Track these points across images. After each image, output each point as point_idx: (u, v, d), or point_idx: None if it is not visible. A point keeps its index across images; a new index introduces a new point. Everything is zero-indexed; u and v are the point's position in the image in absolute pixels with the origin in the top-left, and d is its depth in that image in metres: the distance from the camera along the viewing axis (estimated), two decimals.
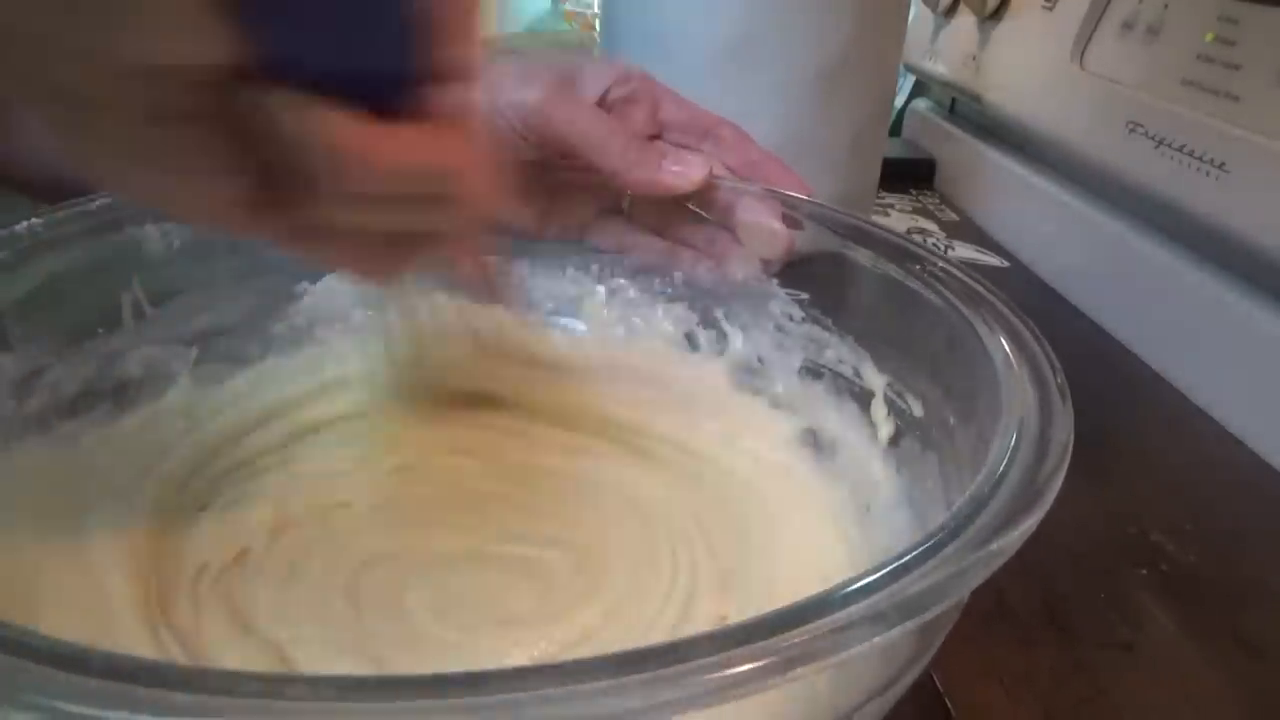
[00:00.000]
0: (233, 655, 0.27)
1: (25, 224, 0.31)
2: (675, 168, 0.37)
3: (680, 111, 0.41)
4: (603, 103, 0.40)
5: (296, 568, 0.30)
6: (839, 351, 0.38)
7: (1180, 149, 0.54)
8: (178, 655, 0.26)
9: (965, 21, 0.82)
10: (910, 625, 0.18)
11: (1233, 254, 0.51)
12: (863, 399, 0.37)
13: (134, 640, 0.26)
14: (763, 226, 0.38)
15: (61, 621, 0.26)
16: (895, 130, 0.96)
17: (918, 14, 0.87)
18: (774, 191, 0.39)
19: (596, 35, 1.18)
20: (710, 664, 0.16)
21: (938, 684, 0.32)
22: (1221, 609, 0.37)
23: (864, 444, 0.36)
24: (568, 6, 1.26)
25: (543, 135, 0.36)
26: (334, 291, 0.41)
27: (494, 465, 0.37)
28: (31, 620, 0.27)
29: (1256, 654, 0.35)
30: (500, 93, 0.36)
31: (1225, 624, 0.37)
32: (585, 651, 0.28)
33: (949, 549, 0.19)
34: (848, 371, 0.37)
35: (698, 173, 0.37)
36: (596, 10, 1.21)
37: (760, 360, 0.40)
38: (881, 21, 0.54)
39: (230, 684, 0.15)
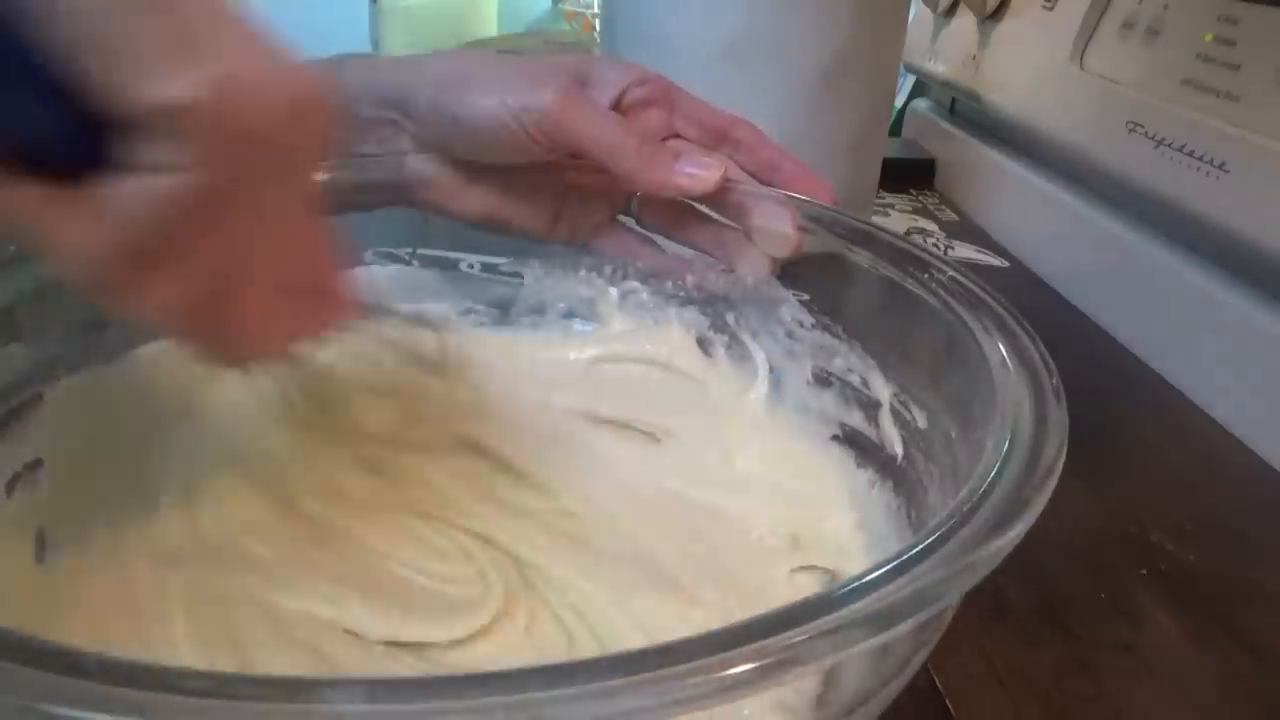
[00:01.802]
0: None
1: None
2: (689, 169, 0.37)
3: (696, 113, 0.41)
4: (618, 105, 0.40)
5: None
6: (848, 360, 0.38)
7: (1180, 149, 0.54)
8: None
9: (965, 21, 0.82)
10: (891, 634, 0.18)
11: (1233, 254, 0.51)
12: (870, 409, 0.37)
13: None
14: (774, 230, 0.38)
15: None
16: (895, 130, 0.96)
17: (918, 14, 0.87)
18: (785, 195, 0.39)
19: (596, 35, 1.18)
20: (698, 667, 0.16)
21: (938, 684, 0.32)
22: (1221, 609, 0.37)
23: (870, 456, 0.36)
24: (568, 6, 1.27)
25: (553, 139, 0.36)
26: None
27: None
28: (92, 622, 0.27)
29: (1256, 654, 0.35)
30: (510, 95, 0.36)
31: (1225, 624, 0.37)
32: None
33: (931, 559, 0.19)
34: (856, 381, 0.37)
35: (712, 175, 0.37)
36: (596, 10, 1.21)
37: (772, 369, 0.40)
38: (881, 21, 0.54)
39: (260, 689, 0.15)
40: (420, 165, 0.39)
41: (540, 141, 0.36)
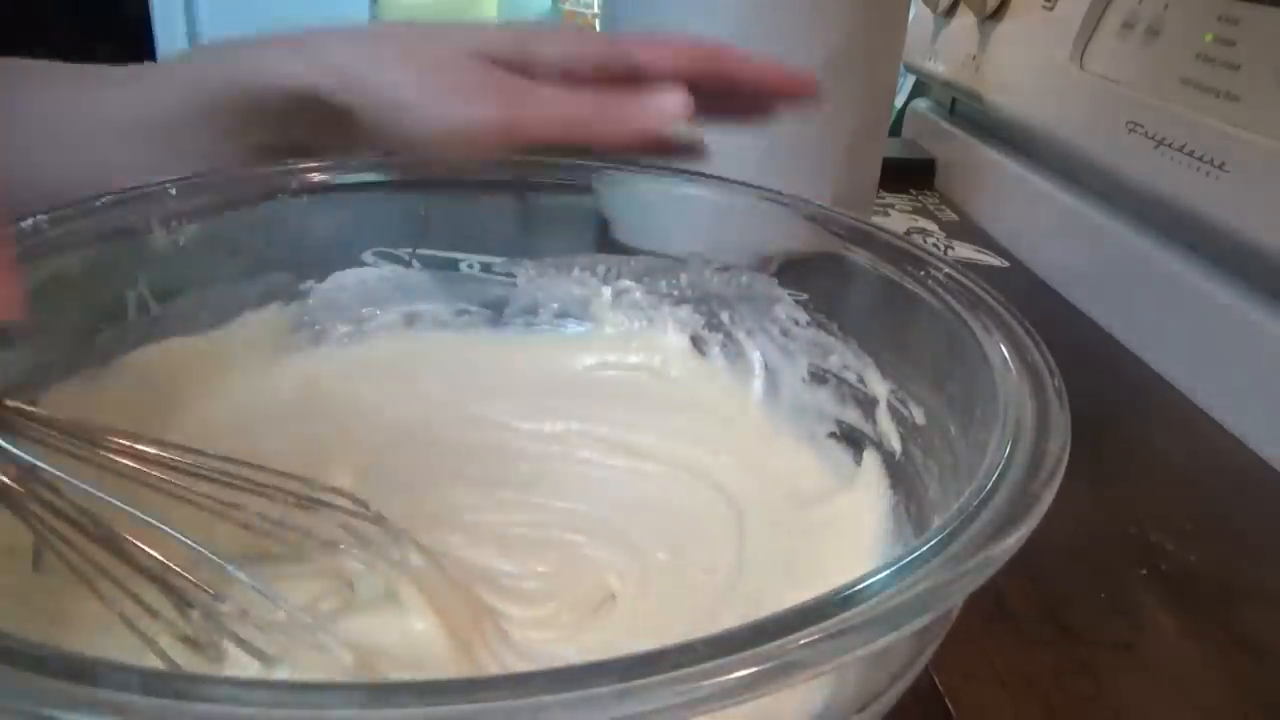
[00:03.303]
0: None
1: (30, 221, 0.31)
2: (653, 108, 0.35)
3: (658, 63, 0.38)
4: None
5: None
6: (843, 357, 0.38)
7: (1180, 149, 0.54)
8: None
9: (965, 21, 0.82)
10: (898, 635, 0.18)
11: (1233, 254, 0.51)
12: (867, 406, 0.37)
13: None
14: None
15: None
16: (895, 130, 0.96)
17: (918, 14, 0.87)
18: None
19: None
20: (702, 671, 0.16)
21: (938, 684, 0.32)
22: (1221, 609, 0.37)
23: (866, 452, 0.36)
24: (567, 6, 1.26)
25: (511, 143, 0.35)
26: (341, 289, 0.41)
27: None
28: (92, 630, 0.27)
29: (1256, 654, 0.35)
30: (452, 112, 0.35)
31: (1225, 624, 0.37)
32: None
33: (938, 559, 0.19)
34: (852, 378, 0.37)
35: (676, 103, 0.35)
36: (596, 10, 1.21)
37: (766, 366, 0.40)
38: (881, 21, 0.54)
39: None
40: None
41: (492, 149, 0.36)
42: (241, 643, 0.25)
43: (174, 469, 0.26)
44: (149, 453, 0.26)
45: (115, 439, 0.26)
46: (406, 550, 0.28)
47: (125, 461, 0.26)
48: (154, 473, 0.26)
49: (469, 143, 0.35)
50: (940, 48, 0.87)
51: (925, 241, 0.73)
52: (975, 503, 0.21)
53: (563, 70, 0.38)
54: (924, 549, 0.20)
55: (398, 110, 0.36)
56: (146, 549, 0.25)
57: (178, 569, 0.26)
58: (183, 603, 0.26)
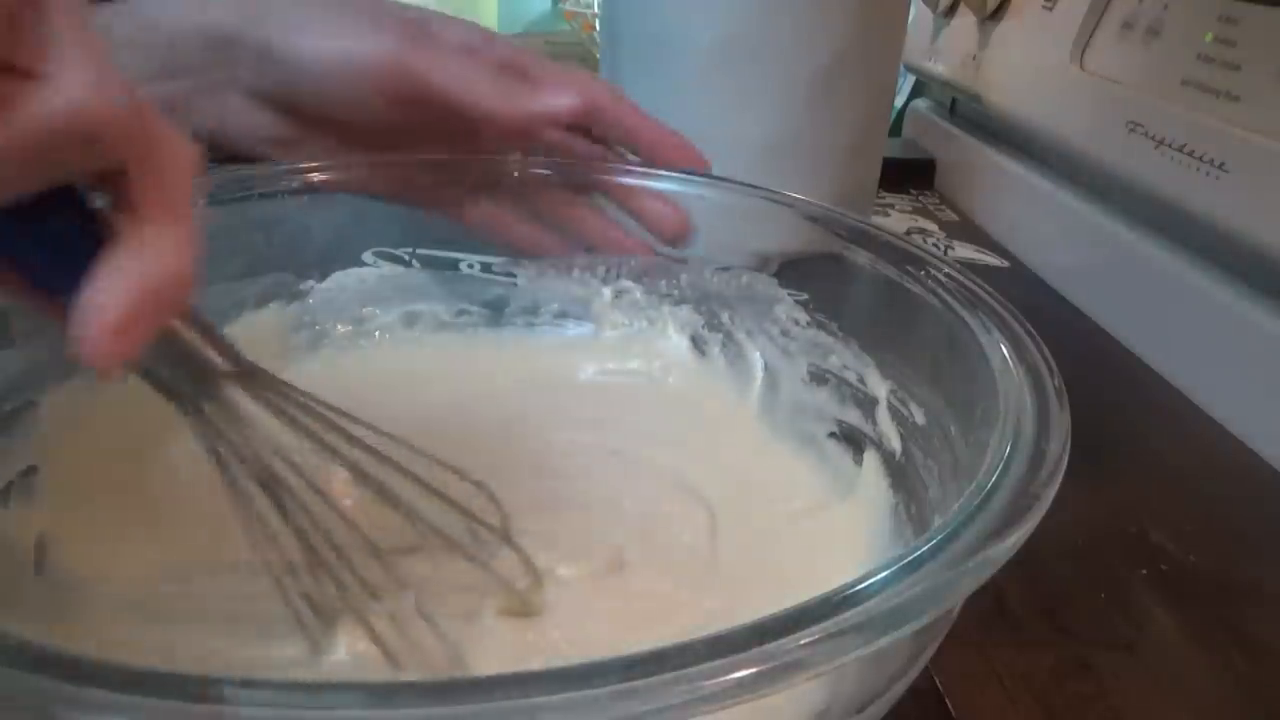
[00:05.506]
0: None
1: None
2: (546, 100, 0.35)
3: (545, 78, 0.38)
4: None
5: None
6: (843, 357, 0.38)
7: (1180, 149, 0.54)
8: None
9: (965, 21, 0.82)
10: (898, 635, 0.18)
11: (1233, 254, 0.51)
12: (867, 406, 0.37)
13: None
14: (654, 209, 0.37)
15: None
16: (895, 130, 0.96)
17: (918, 14, 0.87)
18: (682, 171, 0.39)
19: (596, 35, 1.18)
20: (702, 671, 0.16)
21: (938, 684, 0.32)
22: (1221, 609, 0.37)
23: (866, 453, 0.36)
24: (568, 6, 1.26)
25: (399, 85, 0.34)
26: (341, 289, 0.41)
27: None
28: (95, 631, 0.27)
29: (1256, 654, 0.35)
30: (351, 39, 0.34)
31: (1225, 624, 0.37)
32: None
33: (939, 559, 0.19)
34: (852, 378, 0.37)
35: (567, 105, 0.35)
36: (596, 10, 1.21)
37: (766, 366, 0.40)
38: (881, 21, 0.54)
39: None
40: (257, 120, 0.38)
41: (382, 93, 0.34)
42: (359, 618, 0.26)
43: (365, 451, 0.27)
44: (349, 430, 0.27)
45: (325, 410, 0.27)
46: (538, 577, 0.29)
47: (323, 434, 0.27)
48: (344, 450, 0.27)
49: (359, 75, 0.34)
50: (940, 48, 0.87)
51: (925, 241, 0.73)
52: (975, 503, 0.21)
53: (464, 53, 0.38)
54: (924, 549, 0.20)
55: (295, 32, 0.35)
56: (306, 507, 0.26)
57: (329, 534, 0.26)
58: (320, 567, 0.26)
